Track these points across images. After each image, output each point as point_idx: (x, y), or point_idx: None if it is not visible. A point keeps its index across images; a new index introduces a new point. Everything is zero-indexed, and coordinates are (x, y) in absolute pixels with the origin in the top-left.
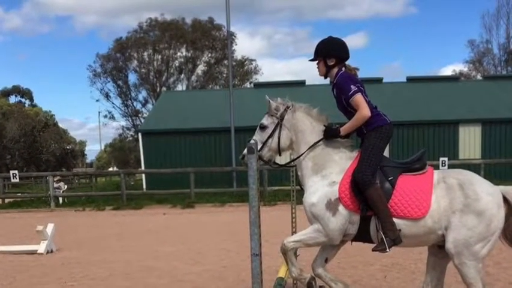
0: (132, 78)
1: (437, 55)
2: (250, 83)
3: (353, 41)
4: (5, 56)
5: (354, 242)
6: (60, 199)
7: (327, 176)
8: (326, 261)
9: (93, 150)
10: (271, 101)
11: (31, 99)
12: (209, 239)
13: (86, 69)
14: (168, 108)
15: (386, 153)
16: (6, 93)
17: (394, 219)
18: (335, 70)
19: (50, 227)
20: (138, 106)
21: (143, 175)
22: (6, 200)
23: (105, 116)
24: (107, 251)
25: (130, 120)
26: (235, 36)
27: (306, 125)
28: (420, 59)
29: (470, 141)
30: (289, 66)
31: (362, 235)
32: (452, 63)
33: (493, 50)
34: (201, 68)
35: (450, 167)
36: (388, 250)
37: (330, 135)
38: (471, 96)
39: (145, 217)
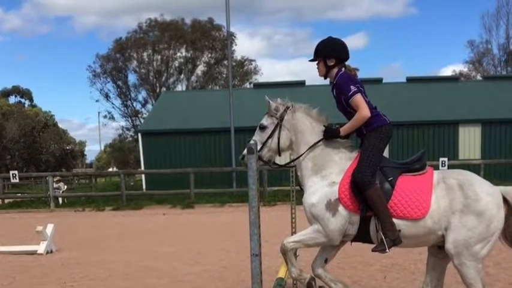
0: (132, 78)
1: (437, 55)
2: (250, 84)
3: (353, 42)
4: (4, 56)
5: (353, 243)
6: (60, 199)
7: (326, 176)
8: (326, 261)
9: (92, 150)
10: (270, 101)
11: (31, 99)
12: (209, 239)
13: (85, 69)
14: (168, 109)
15: (386, 153)
16: (6, 93)
17: (394, 220)
18: (335, 70)
19: (49, 228)
20: (138, 106)
21: (143, 175)
22: (6, 201)
23: (105, 117)
24: (106, 251)
25: (130, 121)
26: (235, 37)
27: (306, 126)
28: (420, 60)
29: (470, 141)
30: (289, 67)
31: (362, 235)
32: (452, 63)
33: (492, 51)
34: (200, 69)
35: (450, 167)
36: (387, 250)
37: (330, 135)
38: (471, 96)
39: (145, 217)
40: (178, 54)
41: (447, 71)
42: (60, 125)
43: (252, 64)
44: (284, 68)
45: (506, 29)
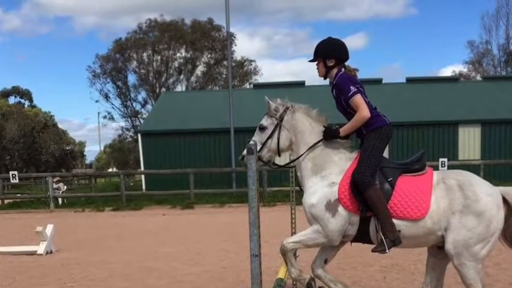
0: (132, 79)
1: (437, 56)
2: (249, 84)
3: (353, 42)
4: (4, 56)
5: (353, 243)
6: (60, 200)
7: (326, 176)
8: (325, 262)
9: (92, 151)
10: (270, 101)
11: (30, 100)
12: (208, 239)
13: (85, 70)
14: (168, 109)
15: (385, 154)
16: (6, 94)
17: (394, 220)
18: (334, 71)
19: (49, 228)
20: (138, 107)
21: (142, 176)
22: (6, 201)
23: (105, 117)
24: (106, 251)
25: (129, 121)
26: (234, 37)
27: (306, 126)
28: (420, 60)
29: (469, 142)
30: (288, 67)
31: (361, 236)
32: (452, 64)
33: (492, 51)
34: (200, 69)
35: (450, 167)
36: (387, 251)
37: (330, 136)
38: (471, 97)
39: (145, 218)
40: (178, 54)
41: (447, 72)
42: (59, 126)
43: (251, 64)
44: (284, 68)
45: (506, 29)
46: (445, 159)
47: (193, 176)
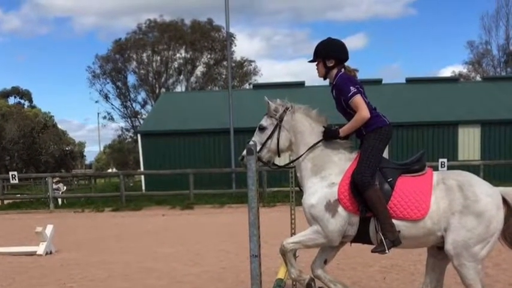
0: (131, 79)
1: (437, 56)
2: (249, 84)
3: (352, 42)
4: (4, 57)
5: (353, 243)
6: (60, 200)
7: (326, 177)
8: (325, 262)
9: (92, 151)
10: (270, 102)
11: (30, 100)
12: (208, 240)
13: (85, 70)
14: (167, 110)
15: (385, 154)
16: (6, 94)
17: (394, 221)
18: (334, 71)
19: (49, 228)
20: (137, 107)
21: (142, 176)
22: (6, 201)
23: (104, 117)
24: (106, 252)
25: (129, 122)
26: (234, 38)
27: (305, 126)
28: (419, 60)
29: (469, 142)
30: (288, 68)
31: (361, 236)
32: (452, 64)
33: (492, 51)
34: (200, 69)
35: (449, 168)
36: (387, 251)
37: (329, 136)
38: (470, 97)
39: (145, 218)
40: (178, 55)
41: (446, 72)
42: (59, 126)
43: (251, 65)
44: (283, 68)
45: (505, 30)
46: (445, 160)
47: (193, 176)
